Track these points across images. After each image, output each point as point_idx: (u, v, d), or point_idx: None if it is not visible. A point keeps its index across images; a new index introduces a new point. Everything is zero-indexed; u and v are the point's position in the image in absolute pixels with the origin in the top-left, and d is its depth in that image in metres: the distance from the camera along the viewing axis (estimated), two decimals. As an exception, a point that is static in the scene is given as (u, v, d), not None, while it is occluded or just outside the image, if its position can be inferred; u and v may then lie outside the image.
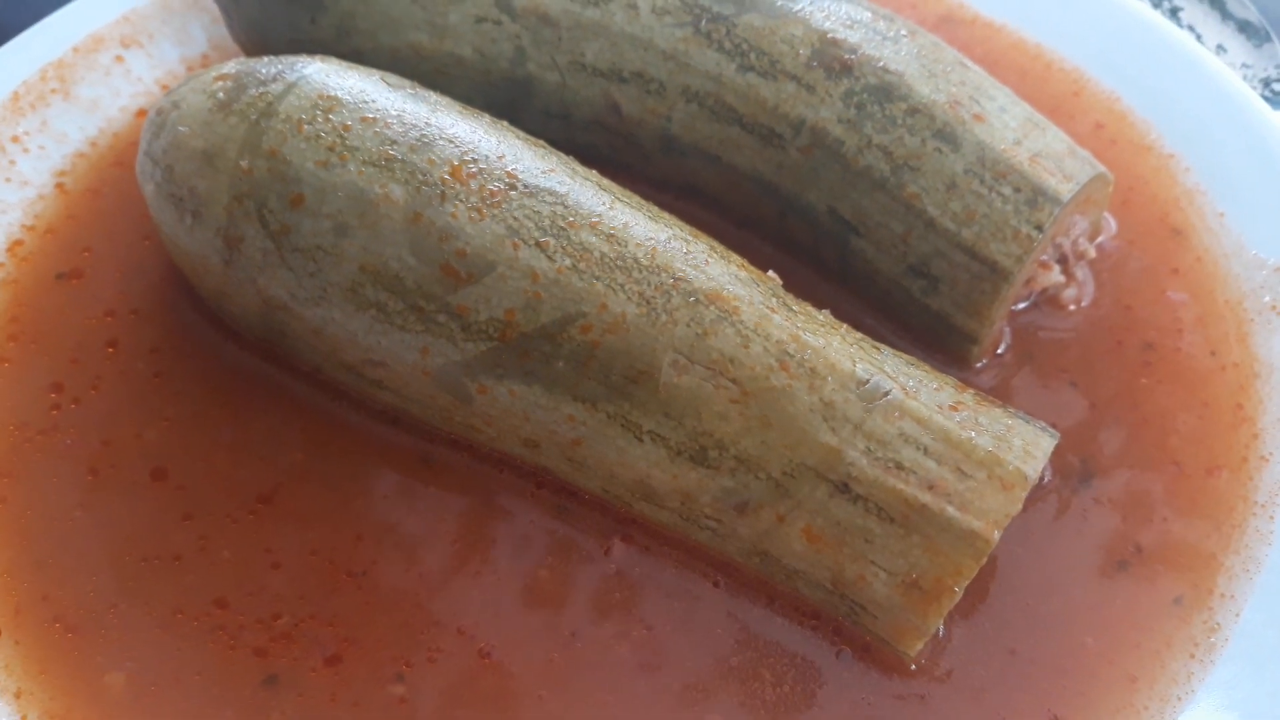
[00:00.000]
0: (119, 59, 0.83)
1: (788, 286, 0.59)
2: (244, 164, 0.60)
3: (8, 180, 0.76)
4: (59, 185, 0.77)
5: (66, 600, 0.58)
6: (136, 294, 0.72)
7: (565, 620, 0.56)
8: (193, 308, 0.70)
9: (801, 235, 0.68)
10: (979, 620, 0.55)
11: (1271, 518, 0.58)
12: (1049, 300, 0.67)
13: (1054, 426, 0.58)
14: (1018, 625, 0.55)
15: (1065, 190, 0.61)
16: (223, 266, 0.62)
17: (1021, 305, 0.67)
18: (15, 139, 0.77)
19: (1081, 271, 0.68)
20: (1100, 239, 0.70)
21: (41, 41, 0.81)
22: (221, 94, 0.62)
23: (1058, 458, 0.61)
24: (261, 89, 0.62)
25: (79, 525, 0.61)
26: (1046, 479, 0.60)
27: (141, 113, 0.81)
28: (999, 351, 0.66)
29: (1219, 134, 0.74)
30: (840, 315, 0.59)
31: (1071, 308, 0.67)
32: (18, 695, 0.55)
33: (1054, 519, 0.59)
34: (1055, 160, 0.62)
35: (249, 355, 0.67)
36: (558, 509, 0.60)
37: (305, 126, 0.59)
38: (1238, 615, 0.55)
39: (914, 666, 0.54)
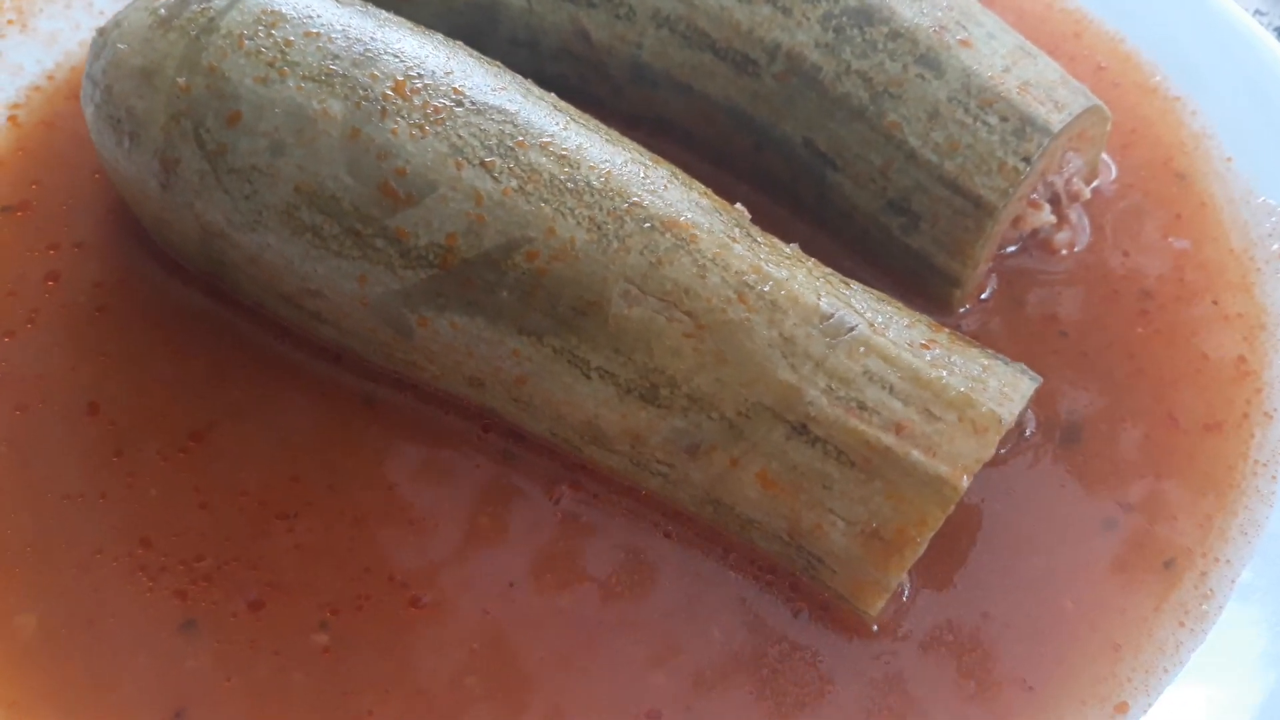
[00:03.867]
0: (78, -9, 0.79)
1: (763, 227, 0.55)
2: (182, 81, 0.56)
3: (-42, 111, 0.72)
4: (11, 118, 0.74)
5: (-17, 538, 0.55)
6: (82, 228, 0.68)
7: (504, 570, 0.52)
8: (139, 242, 0.66)
9: (778, 170, 0.64)
10: (950, 580, 0.51)
11: (1274, 477, 0.54)
12: (1040, 244, 0.63)
13: (1042, 376, 0.54)
14: (993, 586, 0.51)
15: (1056, 120, 0.57)
16: (160, 191, 0.58)
17: (1010, 249, 0.63)
18: (-34, 70, 0.74)
19: (1075, 214, 0.63)
20: (1097, 182, 0.66)
21: (-2, -30, 0.78)
22: (163, 10, 0.59)
23: (1044, 410, 0.57)
24: (204, 4, 0.58)
25: (3, 461, 0.58)
26: (1029, 431, 0.56)
27: (99, 44, 0.77)
28: (983, 297, 0.61)
29: (1230, 77, 0.70)
30: (818, 258, 0.55)
31: (1064, 252, 0.63)
32: (-76, 635, 0.52)
33: (1037, 474, 0.55)
34: (1046, 89, 0.58)
35: (193, 291, 0.63)
36: (504, 453, 0.56)
37: (246, 42, 0.56)
38: (1233, 581, 0.51)
39: (876, 627, 0.50)
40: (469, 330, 0.53)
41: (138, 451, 0.58)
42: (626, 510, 0.54)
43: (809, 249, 0.56)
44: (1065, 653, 0.49)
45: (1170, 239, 0.64)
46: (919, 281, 0.61)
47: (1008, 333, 0.60)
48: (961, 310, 0.61)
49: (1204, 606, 0.50)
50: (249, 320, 0.62)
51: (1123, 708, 0.48)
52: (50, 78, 0.76)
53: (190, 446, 0.58)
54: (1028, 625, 0.50)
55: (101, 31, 0.62)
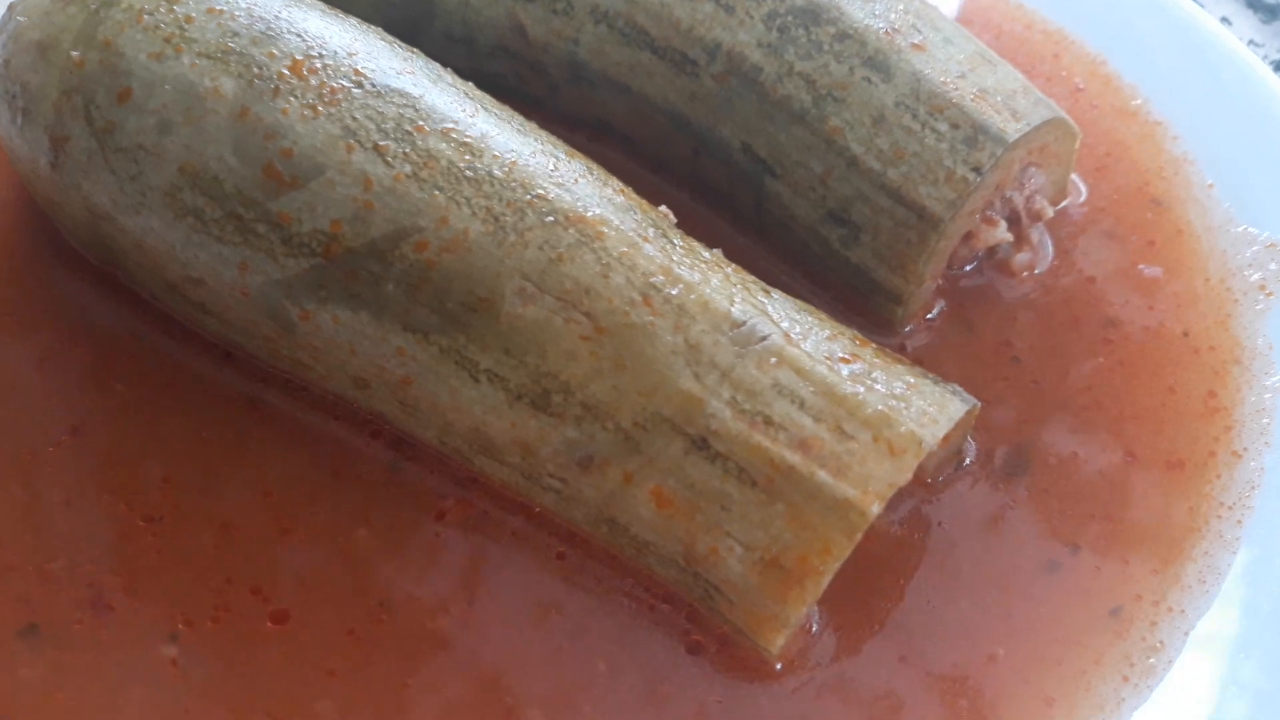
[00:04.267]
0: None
1: (700, 239, 0.51)
2: (76, 56, 0.53)
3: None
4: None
5: None
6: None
7: (376, 588, 0.47)
8: (38, 230, 0.63)
9: (716, 178, 0.59)
10: (867, 619, 0.46)
11: (1239, 522, 0.48)
12: (997, 265, 0.58)
13: (989, 404, 0.49)
14: (914, 629, 0.46)
15: (1012, 130, 0.53)
16: (50, 170, 0.54)
17: (967, 268, 0.58)
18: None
19: (1037, 234, 0.59)
20: (1065, 203, 0.61)
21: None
22: (69, -19, 0.56)
23: (989, 439, 0.52)
24: (110, -25, 0.55)
25: None
26: (968, 460, 0.51)
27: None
28: (930, 316, 0.57)
29: (1215, 102, 0.65)
30: (755, 273, 0.50)
31: (1024, 275, 0.58)
32: None
33: (974, 508, 0.50)
34: (1004, 97, 0.54)
35: (86, 281, 0.59)
36: (391, 464, 0.51)
37: (145, 17, 0.52)
38: (1186, 633, 0.46)
39: (779, 666, 0.45)
40: (352, 325, 0.48)
41: (7, 446, 0.54)
42: (517, 529, 0.49)
43: (747, 262, 0.51)
44: (991, 707, 0.44)
45: (1141, 266, 0.59)
46: (860, 298, 0.56)
47: (954, 356, 0.55)
48: (905, 330, 0.56)
49: (1151, 660, 0.45)
50: (140, 314, 0.58)
51: (1054, 772, 0.42)
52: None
53: (64, 441, 0.53)
54: (951, 673, 0.45)
55: (10, 7, 0.59)
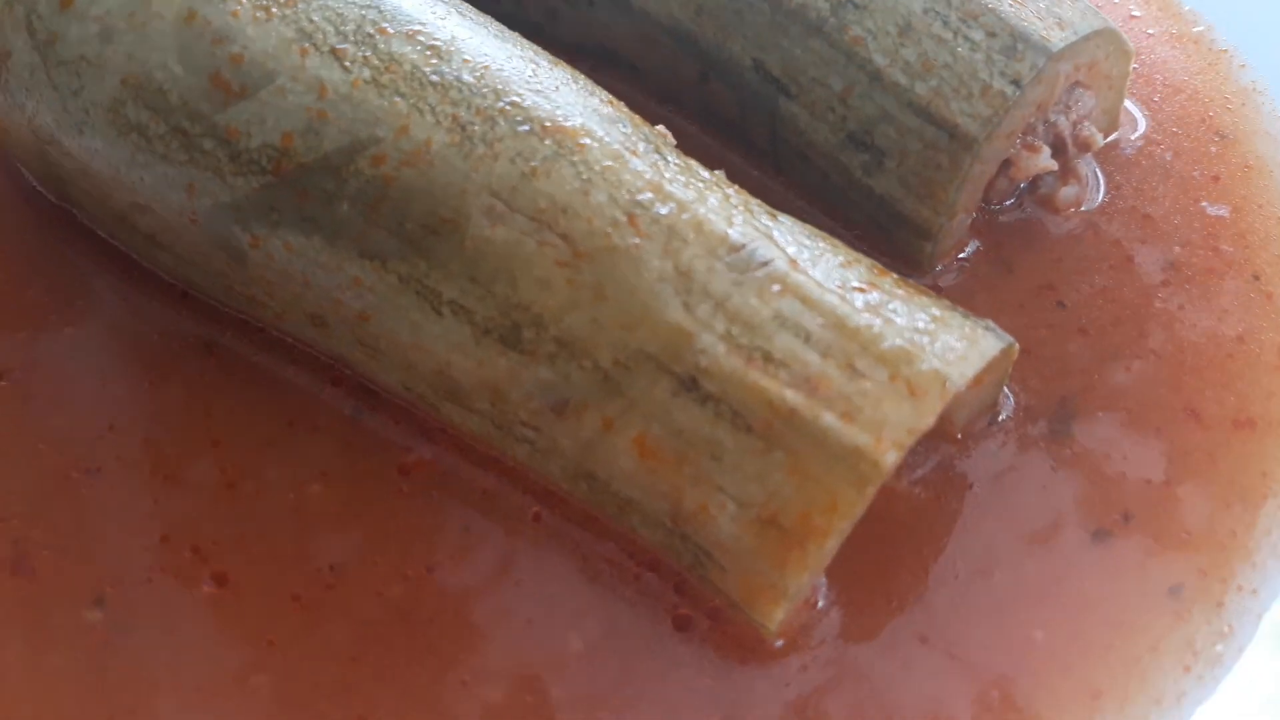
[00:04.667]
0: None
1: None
2: (18, -40, 0.48)
3: None
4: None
5: None
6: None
7: (329, 549, 0.42)
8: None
9: (726, 104, 0.53)
10: (884, 592, 0.40)
11: (1320, 489, 0.42)
12: (1040, 199, 0.52)
13: (1029, 353, 0.43)
14: (938, 606, 0.40)
15: (1056, 39, 0.46)
16: (-5, 91, 0.50)
17: (1006, 203, 0.52)
18: None
19: (1085, 166, 0.52)
20: (1117, 134, 0.54)
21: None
22: (17, -117, 0.51)
23: (1028, 391, 0.46)
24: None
25: None
26: (1005, 415, 0.45)
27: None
28: (962, 256, 0.50)
29: (1291, 27, 0.58)
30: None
31: (1070, 210, 0.52)
32: None
33: (1012, 468, 0.43)
34: (1048, 3, 0.47)
35: (46, 218, 0.55)
36: (353, 411, 0.46)
37: (92, -82, 0.48)
38: (1259, 616, 0.39)
39: (779, 644, 0.39)
40: (305, 253, 0.43)
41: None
42: (488, 487, 0.43)
43: (761, 198, 0.45)
44: (1028, 698, 0.38)
45: (1204, 203, 0.52)
46: (885, 234, 0.50)
47: (990, 299, 0.48)
48: (936, 270, 0.50)
49: (1218, 647, 0.38)
50: (96, 252, 0.53)
51: (1101, 773, 0.36)
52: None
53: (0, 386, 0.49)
54: (981, 658, 0.38)
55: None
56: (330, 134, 0.42)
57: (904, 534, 0.41)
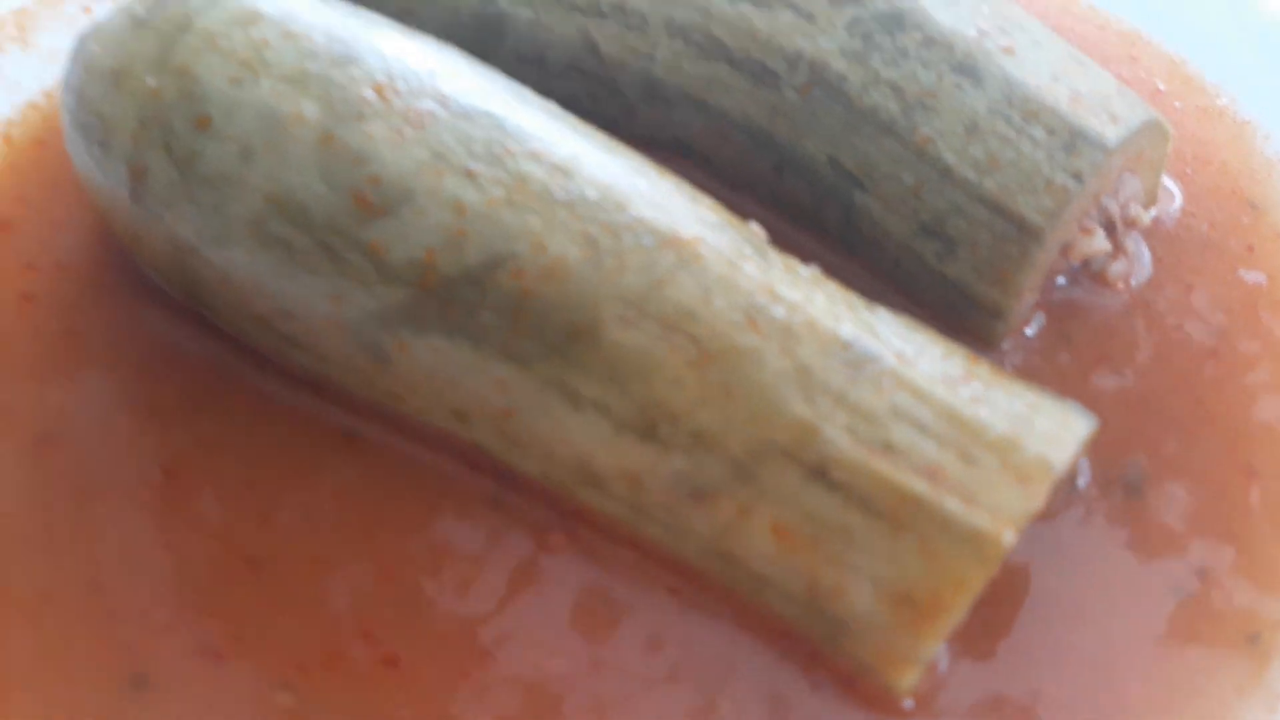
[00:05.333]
0: (87, 9, 0.77)
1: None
2: (152, 83, 0.52)
3: (-48, 130, 0.70)
4: (4, 136, 0.71)
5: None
6: (64, 248, 0.64)
7: (490, 628, 0.46)
8: (120, 265, 0.62)
9: (801, 194, 0.58)
10: (994, 652, 0.44)
11: (1371, 539, 0.47)
12: (1093, 276, 0.57)
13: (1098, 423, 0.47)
14: (1044, 661, 0.44)
15: (1111, 134, 0.51)
16: (131, 202, 0.54)
17: (1060, 281, 0.57)
18: (-36, 88, 0.71)
19: (1133, 243, 0.57)
20: (1156, 209, 0.59)
21: (3, -13, 0.76)
22: (141, 9, 0.55)
23: (1100, 460, 0.50)
24: (182, 3, 0.54)
25: (-43, 496, 0.53)
26: (1083, 482, 0.49)
27: (100, 63, 0.75)
28: (1029, 333, 0.55)
29: (1306, 99, 0.64)
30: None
31: (1121, 285, 0.56)
32: None
33: (1093, 532, 0.48)
34: (1100, 100, 0.52)
35: (170, 317, 0.58)
36: (493, 497, 0.50)
37: (221, 41, 0.52)
38: (1327, 659, 0.44)
39: (909, 704, 0.43)
40: (450, 356, 0.47)
41: (101, 487, 0.53)
42: (627, 563, 0.48)
43: (836, 279, 0.50)
44: (1129, 743, 0.42)
45: (1242, 272, 0.57)
46: (957, 314, 0.54)
47: (1056, 373, 0.53)
48: (1004, 346, 0.54)
49: (1295, 690, 0.43)
50: (227, 349, 0.57)
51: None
52: (48, 95, 0.73)
53: (156, 483, 0.53)
54: (1086, 710, 0.43)
55: (82, 37, 0.58)
56: (471, 249, 0.46)
57: (1004, 597, 0.46)
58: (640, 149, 0.61)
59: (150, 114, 0.52)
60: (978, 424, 0.42)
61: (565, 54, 0.63)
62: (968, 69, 0.52)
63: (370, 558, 0.49)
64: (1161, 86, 0.67)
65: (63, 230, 0.66)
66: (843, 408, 0.42)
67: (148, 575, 0.50)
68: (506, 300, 0.46)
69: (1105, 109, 0.52)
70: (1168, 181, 0.61)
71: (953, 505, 0.40)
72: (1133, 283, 0.57)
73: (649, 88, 0.61)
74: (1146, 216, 0.57)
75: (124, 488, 0.53)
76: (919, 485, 0.41)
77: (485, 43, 0.64)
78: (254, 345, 0.56)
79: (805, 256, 0.54)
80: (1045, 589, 0.46)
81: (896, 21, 0.54)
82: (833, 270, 0.54)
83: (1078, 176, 0.50)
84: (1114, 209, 0.55)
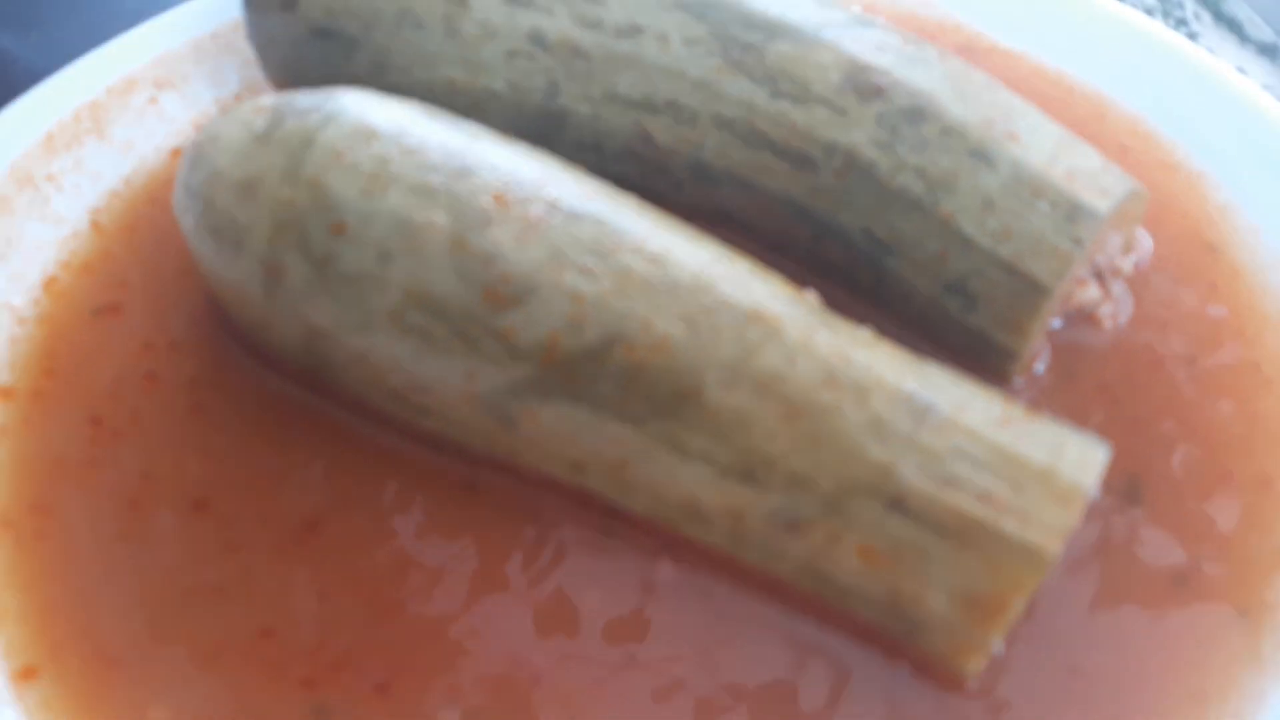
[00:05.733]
0: (153, 100, 0.84)
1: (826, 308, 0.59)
2: (285, 193, 0.60)
3: (43, 218, 0.76)
4: (94, 223, 0.78)
5: (106, 636, 0.57)
6: (173, 327, 0.72)
7: (619, 642, 0.55)
8: (231, 340, 0.70)
9: (836, 257, 0.68)
10: (1036, 638, 0.55)
11: (1327, 530, 0.58)
12: (1085, 318, 0.67)
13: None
14: (1076, 644, 0.55)
15: (1103, 205, 0.62)
16: (264, 296, 0.62)
17: (1058, 324, 0.67)
18: (50, 178, 0.78)
19: (1118, 287, 0.68)
20: (1134, 256, 0.70)
21: (75, 83, 0.82)
22: (260, 125, 0.63)
23: (1104, 474, 0.61)
24: (300, 119, 0.62)
25: (118, 559, 0.61)
26: (1096, 496, 0.60)
27: (176, 151, 0.82)
28: (1037, 371, 0.65)
29: (1248, 151, 0.74)
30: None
31: (1108, 324, 0.67)
32: (60, 732, 0.54)
33: (1105, 537, 0.58)
34: (1091, 176, 0.63)
35: (290, 386, 0.67)
36: (605, 531, 0.59)
37: (346, 156, 0.60)
38: (1303, 629, 0.55)
39: (973, 685, 0.53)
40: (572, 419, 0.56)
41: (251, 546, 0.61)
42: (727, 581, 0.57)
43: (870, 325, 0.60)
44: (1153, 704, 0.53)
45: (1208, 307, 0.68)
46: (976, 356, 0.65)
47: (1064, 402, 0.64)
48: (1016, 384, 0.65)
49: None
50: (348, 412, 0.65)
51: (1212, 756, 0.51)
52: (127, 183, 0.81)
53: (303, 538, 0.61)
54: (1114, 679, 0.53)
55: (196, 145, 0.66)
56: (589, 331, 0.55)
57: (1040, 593, 0.56)
58: (686, 217, 0.71)
59: (286, 219, 0.60)
60: (1022, 458, 0.52)
61: (621, 142, 0.72)
62: (980, 154, 0.63)
63: (508, 590, 0.57)
64: (1126, 143, 0.78)
65: (167, 310, 0.73)
66: (912, 450, 0.52)
67: (310, 620, 0.58)
68: (621, 372, 0.55)
69: (1096, 184, 0.62)
70: (1140, 230, 0.72)
71: (1010, 525, 0.50)
72: (1119, 321, 0.67)
73: (698, 170, 0.70)
74: (1128, 266, 0.67)
75: (273, 543, 0.61)
76: (980, 510, 0.50)
77: (548, 133, 0.73)
78: (377, 410, 0.64)
79: (840, 307, 0.63)
80: (1070, 584, 0.56)
81: (918, 115, 0.64)
82: (864, 318, 0.63)
83: (1078, 242, 0.61)
84: (1102, 262, 0.66)
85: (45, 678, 0.56)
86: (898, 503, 0.51)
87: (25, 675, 0.56)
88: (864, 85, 0.65)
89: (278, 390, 0.67)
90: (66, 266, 0.74)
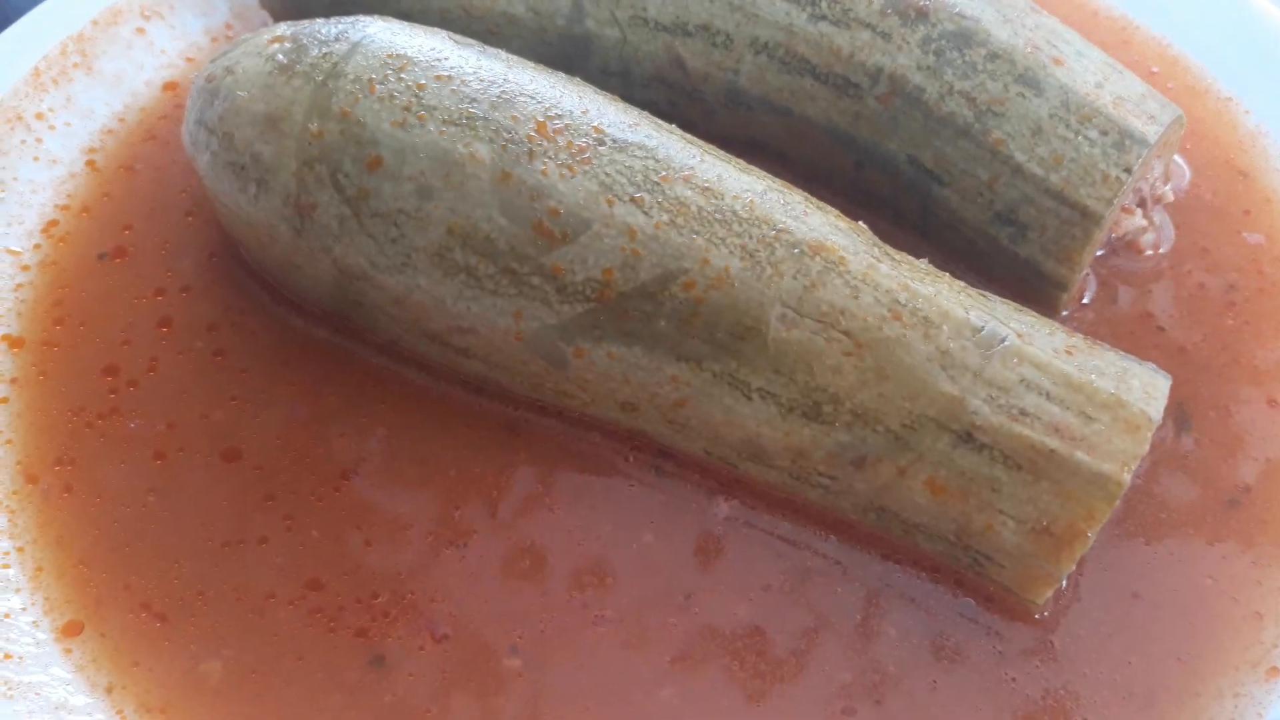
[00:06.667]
0: (140, 30, 0.79)
1: (867, 239, 0.58)
2: (313, 127, 0.57)
3: (36, 159, 0.72)
4: (90, 162, 0.74)
5: (150, 588, 0.56)
6: (185, 270, 0.69)
7: (679, 583, 0.55)
8: (249, 282, 0.67)
9: (880, 187, 0.66)
10: (1097, 565, 0.55)
11: (1371, 448, 0.58)
12: (1128, 246, 0.67)
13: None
14: (1137, 568, 0.55)
15: (1151, 132, 0.61)
16: (292, 235, 0.59)
17: (1100, 252, 0.67)
18: (40, 116, 0.74)
19: (1159, 216, 0.67)
20: (1171, 184, 0.70)
21: (58, 15, 0.77)
22: (281, 56, 0.60)
23: (1153, 402, 0.61)
24: (324, 49, 0.59)
25: (152, 511, 0.58)
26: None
27: (168, 85, 0.78)
28: (1084, 300, 0.65)
29: (1275, 74, 0.74)
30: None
31: (1149, 253, 0.67)
32: (109, 690, 0.52)
33: (1159, 463, 0.59)
34: (1136, 102, 0.62)
35: (315, 328, 0.64)
36: (656, 471, 0.58)
37: (377, 86, 0.57)
38: (1350, 548, 0.55)
39: (1039, 615, 0.53)
40: (626, 359, 0.55)
41: (290, 494, 0.59)
42: (787, 520, 0.56)
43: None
44: (1213, 625, 0.53)
45: (1244, 234, 0.68)
46: (1026, 287, 0.64)
47: (1110, 331, 0.63)
48: (1065, 313, 0.64)
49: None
50: (380, 354, 0.63)
51: (1275, 672, 0.52)
52: (121, 120, 0.77)
53: (342, 485, 0.59)
54: (1175, 602, 0.54)
55: (210, 78, 0.62)
56: (644, 267, 0.53)
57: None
58: (716, 144, 0.69)
59: (314, 155, 0.57)
60: (1090, 388, 0.51)
61: (651, 68, 0.69)
62: (1029, 80, 0.61)
63: (559, 532, 0.56)
64: (1154, 69, 0.77)
65: (176, 253, 0.70)
66: (980, 382, 0.51)
67: (359, 568, 0.56)
68: (679, 309, 0.53)
69: (1143, 110, 0.61)
70: (1179, 159, 0.71)
71: (1081, 455, 0.50)
72: (1160, 250, 0.67)
73: (732, 96, 0.68)
74: (1169, 193, 0.67)
75: (314, 493, 0.59)
76: (1052, 441, 0.50)
77: (571, 59, 0.70)
78: (412, 352, 0.62)
79: (885, 239, 0.62)
80: (1129, 512, 0.57)
81: (964, 39, 0.62)
82: (909, 250, 0.62)
83: (1128, 169, 0.60)
84: (1145, 190, 0.65)
85: (90, 634, 0.54)
86: (968, 436, 0.51)
87: (69, 631, 0.54)
88: (907, 8, 0.63)
89: (303, 333, 0.64)
90: (66, 209, 0.71)
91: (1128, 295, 0.65)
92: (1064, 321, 0.64)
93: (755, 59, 0.66)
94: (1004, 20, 0.63)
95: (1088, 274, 0.65)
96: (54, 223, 0.70)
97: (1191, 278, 0.66)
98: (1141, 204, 0.66)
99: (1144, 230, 0.66)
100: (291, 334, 0.64)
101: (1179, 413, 0.61)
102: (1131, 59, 0.78)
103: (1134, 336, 0.64)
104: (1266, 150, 0.72)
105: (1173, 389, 0.61)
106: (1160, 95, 0.64)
